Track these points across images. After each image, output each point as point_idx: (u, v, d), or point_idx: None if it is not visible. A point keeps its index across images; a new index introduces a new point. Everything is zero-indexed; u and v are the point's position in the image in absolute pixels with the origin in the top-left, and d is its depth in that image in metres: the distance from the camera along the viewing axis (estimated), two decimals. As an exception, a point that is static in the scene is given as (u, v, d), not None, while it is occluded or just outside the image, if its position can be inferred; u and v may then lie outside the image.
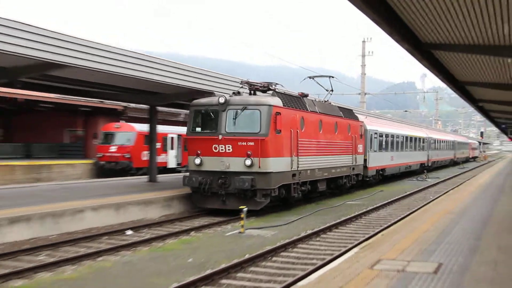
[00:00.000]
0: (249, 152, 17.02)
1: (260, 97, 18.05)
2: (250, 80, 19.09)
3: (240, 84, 18.97)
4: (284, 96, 19.21)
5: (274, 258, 11.11)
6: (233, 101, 17.53)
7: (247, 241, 13.02)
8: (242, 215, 14.29)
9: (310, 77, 24.39)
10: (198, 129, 18.19)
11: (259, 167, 17.07)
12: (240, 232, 14.22)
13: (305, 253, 11.76)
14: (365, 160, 28.49)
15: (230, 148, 17.34)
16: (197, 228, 14.96)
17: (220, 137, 17.48)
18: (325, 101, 24.26)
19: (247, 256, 10.79)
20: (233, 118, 17.57)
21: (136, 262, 10.60)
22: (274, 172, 17.39)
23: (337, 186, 24.50)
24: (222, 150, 17.50)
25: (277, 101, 18.09)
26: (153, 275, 9.48)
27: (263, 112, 17.24)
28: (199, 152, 17.76)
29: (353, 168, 25.98)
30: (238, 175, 17.10)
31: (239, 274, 9.62)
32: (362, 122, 28.64)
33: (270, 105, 17.44)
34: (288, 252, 11.84)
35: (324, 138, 22.50)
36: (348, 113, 26.66)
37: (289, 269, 10.13)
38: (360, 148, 27.42)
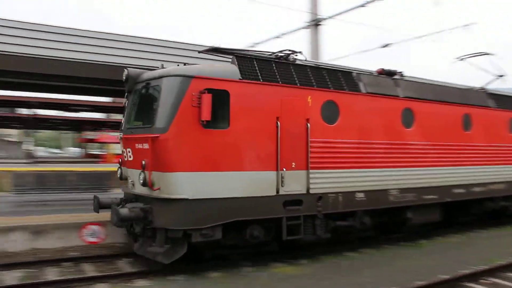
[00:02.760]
0: (143, 162, 9.66)
1: (175, 67, 10.22)
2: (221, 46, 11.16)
3: (201, 53, 11.33)
4: (267, 64, 10.70)
5: None
6: (141, 77, 10.42)
7: None
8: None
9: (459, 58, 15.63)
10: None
11: (154, 187, 9.51)
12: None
13: None
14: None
15: (131, 154, 10.31)
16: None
17: (120, 136, 10.67)
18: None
19: None
20: (133, 104, 10.48)
21: None
22: (197, 200, 9.40)
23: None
24: (126, 158, 10.61)
25: (213, 70, 9.97)
26: None
27: (164, 89, 9.59)
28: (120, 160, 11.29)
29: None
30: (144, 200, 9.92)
31: None
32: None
33: (179, 76, 9.60)
34: None
35: (422, 138, 12.45)
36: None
37: None
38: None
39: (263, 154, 10.07)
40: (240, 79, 9.98)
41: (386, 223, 12.92)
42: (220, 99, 9.74)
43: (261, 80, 10.25)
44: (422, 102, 12.98)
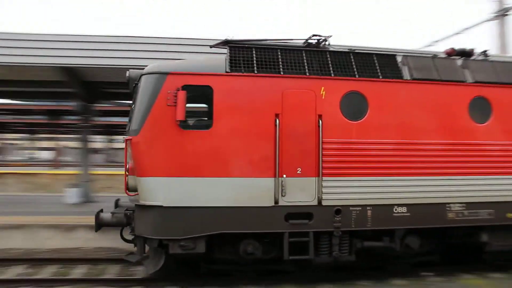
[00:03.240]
0: (127, 166, 9.13)
1: (154, 64, 9.25)
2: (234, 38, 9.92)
3: (212, 47, 10.21)
4: (268, 53, 9.17)
5: None
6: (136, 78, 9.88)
7: None
8: None
9: None
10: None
11: (129, 192, 8.89)
12: None
13: None
14: None
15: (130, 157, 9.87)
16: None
17: (124, 138, 10.34)
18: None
19: None
20: (131, 105, 9.98)
21: None
22: (174, 208, 8.51)
23: None
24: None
25: (194, 64, 8.90)
26: None
27: (140, 88, 8.87)
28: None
29: None
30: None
31: None
32: None
33: (154, 73, 8.79)
34: None
35: (503, 136, 9.47)
36: None
37: None
38: None
39: (256, 158, 8.65)
40: (227, 72, 8.75)
41: (453, 247, 10.09)
42: (202, 96, 8.72)
43: (256, 72, 8.83)
44: (503, 87, 9.76)
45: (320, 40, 9.68)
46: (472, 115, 9.50)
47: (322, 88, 8.92)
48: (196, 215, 8.48)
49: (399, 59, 9.59)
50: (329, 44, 9.84)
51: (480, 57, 10.23)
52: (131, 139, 8.63)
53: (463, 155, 9.30)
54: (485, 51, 10.32)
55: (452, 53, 10.11)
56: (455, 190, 9.22)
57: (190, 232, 8.54)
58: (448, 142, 9.30)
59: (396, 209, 9.04)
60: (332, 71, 9.06)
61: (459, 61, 9.90)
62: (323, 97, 8.90)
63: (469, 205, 9.27)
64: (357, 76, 9.12)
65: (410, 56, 9.70)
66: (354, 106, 9.02)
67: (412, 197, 9.05)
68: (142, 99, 8.66)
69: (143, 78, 8.81)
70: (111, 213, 9.16)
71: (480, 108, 9.53)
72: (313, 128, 8.81)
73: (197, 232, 8.55)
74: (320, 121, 8.81)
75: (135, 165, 8.63)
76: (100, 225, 9.05)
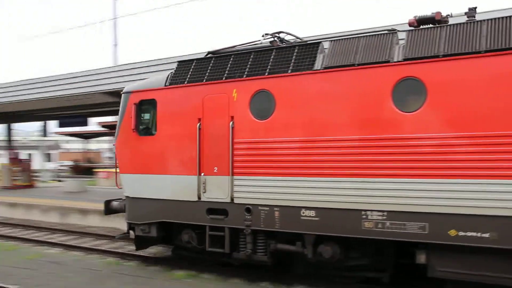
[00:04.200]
0: (119, 163, 11.57)
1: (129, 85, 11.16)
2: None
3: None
4: (200, 63, 10.03)
5: None
6: None
7: None
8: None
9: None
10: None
11: (118, 185, 11.33)
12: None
13: None
14: None
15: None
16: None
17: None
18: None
19: None
20: None
21: None
22: (135, 198, 10.65)
23: None
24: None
25: (146, 82, 10.63)
26: None
27: (120, 104, 11.11)
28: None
29: None
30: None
31: None
32: None
33: (124, 93, 10.95)
34: None
35: (443, 126, 7.69)
36: None
37: None
38: None
39: (186, 158, 9.84)
40: (166, 86, 10.20)
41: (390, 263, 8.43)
42: (150, 108, 10.44)
43: (186, 83, 9.95)
44: (445, 61, 7.38)
45: (273, 39, 9.83)
46: (397, 103, 7.64)
47: (234, 90, 9.27)
48: (148, 205, 10.31)
49: (322, 46, 8.78)
50: (282, 41, 9.85)
51: (449, 22, 8.03)
52: (114, 144, 11.14)
53: (381, 153, 7.71)
54: (473, 9, 7.89)
55: (413, 23, 8.28)
56: (372, 195, 7.79)
57: (145, 218, 10.43)
58: (362, 138, 7.89)
59: (303, 212, 8.49)
60: (246, 72, 9.25)
61: (395, 36, 8.13)
62: (235, 99, 9.26)
63: (391, 215, 7.65)
64: (266, 74, 9.01)
65: (333, 41, 8.65)
66: (262, 105, 8.97)
67: (321, 200, 8.28)
68: (119, 112, 11.00)
69: (121, 96, 11.13)
70: (118, 202, 11.74)
71: (410, 93, 7.56)
72: (226, 130, 9.30)
73: (148, 219, 10.37)
74: (232, 123, 9.23)
75: (117, 164, 11.07)
76: (109, 210, 11.77)
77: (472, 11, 7.83)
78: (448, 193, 7.21)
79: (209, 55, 10.19)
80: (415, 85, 7.51)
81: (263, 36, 9.90)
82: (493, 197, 6.92)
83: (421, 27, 8.05)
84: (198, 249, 10.11)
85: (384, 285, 8.73)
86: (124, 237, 11.38)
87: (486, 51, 7.07)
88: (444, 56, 7.38)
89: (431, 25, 8.07)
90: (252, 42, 10.20)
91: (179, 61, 10.45)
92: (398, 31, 8.32)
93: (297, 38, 10.09)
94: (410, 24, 8.20)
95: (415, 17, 8.27)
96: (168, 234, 10.65)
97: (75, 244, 13.72)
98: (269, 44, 9.84)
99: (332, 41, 8.65)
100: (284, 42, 9.90)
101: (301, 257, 9.04)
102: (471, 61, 7.12)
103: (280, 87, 8.79)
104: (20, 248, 13.39)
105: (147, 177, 10.32)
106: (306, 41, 9.45)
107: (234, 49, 10.20)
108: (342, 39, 8.62)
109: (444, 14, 8.14)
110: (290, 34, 10.00)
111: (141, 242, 11.10)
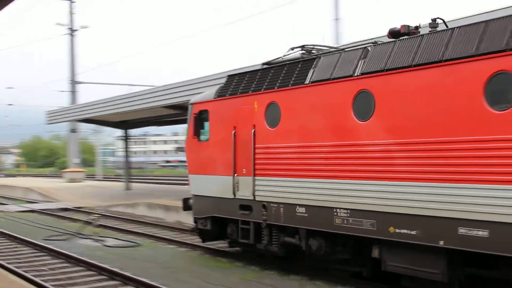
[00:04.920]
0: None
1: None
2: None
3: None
4: (232, 78, 11.57)
5: None
6: None
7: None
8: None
9: None
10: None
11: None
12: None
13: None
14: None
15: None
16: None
17: None
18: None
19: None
20: None
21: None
22: (196, 195, 12.68)
23: None
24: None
25: (203, 95, 12.47)
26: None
27: (188, 113, 13.06)
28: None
29: None
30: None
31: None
32: None
33: (191, 104, 12.92)
34: None
35: (388, 134, 8.56)
36: None
37: None
38: None
39: (226, 161, 11.46)
40: (214, 98, 11.95)
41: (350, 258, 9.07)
42: (205, 117, 12.26)
43: (227, 95, 11.53)
44: (389, 75, 7.88)
45: (304, 51, 10.89)
46: (356, 113, 8.45)
47: (255, 102, 10.63)
48: (204, 201, 12.16)
49: (317, 62, 9.63)
50: (309, 52, 10.81)
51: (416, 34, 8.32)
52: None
53: (344, 157, 8.65)
54: (434, 20, 8.14)
55: (388, 36, 8.78)
56: (338, 194, 8.74)
57: (203, 213, 12.28)
58: (332, 144, 8.91)
59: (298, 209, 9.56)
60: (264, 86, 10.53)
61: (366, 51, 8.68)
62: (256, 110, 10.62)
63: (352, 212, 8.49)
64: (276, 87, 10.18)
65: (322, 56, 9.51)
66: (272, 115, 10.18)
67: (308, 199, 9.33)
68: (187, 120, 12.93)
69: (189, 106, 13.10)
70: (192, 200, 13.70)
71: (364, 104, 8.32)
72: (250, 136, 10.71)
73: (205, 214, 12.22)
74: (253, 130, 10.62)
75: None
76: (187, 207, 13.79)
77: (433, 23, 8.12)
78: (387, 194, 7.89)
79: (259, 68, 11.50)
80: (367, 97, 8.26)
81: (292, 49, 10.98)
82: (419, 198, 7.46)
83: (390, 40, 8.50)
84: (244, 243, 11.43)
85: (368, 279, 9.21)
86: (194, 230, 13.39)
87: (415, 65, 7.59)
88: (387, 70, 8.00)
89: (405, 37, 8.41)
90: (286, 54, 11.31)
91: (228, 75, 12.11)
92: (378, 44, 8.81)
93: (321, 48, 10.91)
94: (388, 36, 8.66)
95: (393, 28, 8.72)
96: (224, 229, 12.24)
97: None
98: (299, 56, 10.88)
99: (322, 57, 9.55)
100: (312, 54, 10.80)
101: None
102: (404, 74, 7.72)
103: (284, 99, 9.93)
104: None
105: (204, 177, 12.19)
106: (315, 55, 10.31)
107: (275, 61, 11.41)
108: (328, 54, 9.49)
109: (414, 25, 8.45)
110: (315, 46, 10.89)
111: (204, 235, 12.86)
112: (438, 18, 8.16)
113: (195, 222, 12.80)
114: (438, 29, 7.97)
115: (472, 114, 6.85)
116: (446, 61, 7.20)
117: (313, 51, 10.87)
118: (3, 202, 28.35)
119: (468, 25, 7.28)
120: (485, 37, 6.83)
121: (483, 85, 6.75)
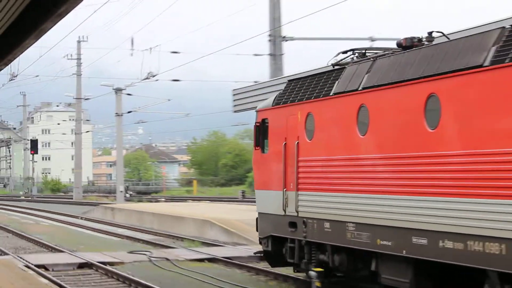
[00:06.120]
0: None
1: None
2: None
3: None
4: (290, 84, 10.94)
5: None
6: None
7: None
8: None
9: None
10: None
11: None
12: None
13: None
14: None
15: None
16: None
17: None
18: None
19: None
20: None
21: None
22: (259, 213, 12.06)
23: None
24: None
25: (266, 102, 11.86)
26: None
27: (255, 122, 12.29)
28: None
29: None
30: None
31: None
32: None
33: (256, 111, 12.14)
34: None
35: (379, 148, 8.05)
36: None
37: None
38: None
39: (278, 175, 10.84)
40: (272, 106, 11.35)
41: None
42: (266, 126, 11.49)
43: (282, 104, 10.85)
44: (382, 90, 7.81)
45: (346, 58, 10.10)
46: (359, 127, 8.32)
47: (299, 112, 9.98)
48: (264, 220, 11.47)
49: (333, 74, 9.24)
50: (357, 57, 9.98)
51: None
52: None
53: (350, 171, 8.54)
54: (430, 33, 7.97)
55: (401, 44, 8.43)
56: (347, 208, 8.53)
57: (263, 233, 11.63)
58: (344, 158, 8.72)
59: (325, 225, 8.97)
60: (304, 96, 9.88)
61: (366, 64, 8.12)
62: (298, 120, 9.96)
63: (358, 226, 8.24)
64: (311, 98, 9.54)
65: (348, 67, 9.03)
66: (309, 127, 9.57)
67: (329, 213, 8.92)
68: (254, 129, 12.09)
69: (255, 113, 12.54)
70: None
71: (363, 119, 8.19)
72: (294, 148, 10.05)
73: (265, 234, 11.58)
74: (297, 142, 9.97)
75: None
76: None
77: (430, 36, 8.03)
78: (373, 207, 8.05)
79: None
80: (365, 111, 8.20)
81: (338, 54, 10.19)
82: (395, 211, 7.62)
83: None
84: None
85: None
86: (257, 253, 12.72)
87: (391, 83, 7.72)
88: (375, 86, 8.00)
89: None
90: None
91: (288, 80, 11.54)
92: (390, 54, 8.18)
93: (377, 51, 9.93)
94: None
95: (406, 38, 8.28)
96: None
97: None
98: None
99: (348, 67, 9.05)
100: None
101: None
102: (384, 92, 7.88)
103: (316, 110, 9.41)
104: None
105: (264, 192, 11.61)
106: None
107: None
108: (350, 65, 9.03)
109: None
110: (363, 49, 9.98)
111: (268, 257, 12.04)
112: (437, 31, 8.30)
113: (260, 243, 12.21)
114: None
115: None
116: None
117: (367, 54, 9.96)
118: (167, 244, 18.24)
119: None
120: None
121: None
